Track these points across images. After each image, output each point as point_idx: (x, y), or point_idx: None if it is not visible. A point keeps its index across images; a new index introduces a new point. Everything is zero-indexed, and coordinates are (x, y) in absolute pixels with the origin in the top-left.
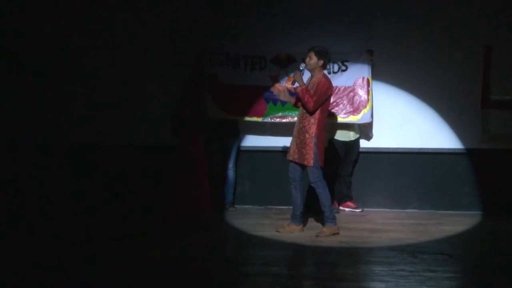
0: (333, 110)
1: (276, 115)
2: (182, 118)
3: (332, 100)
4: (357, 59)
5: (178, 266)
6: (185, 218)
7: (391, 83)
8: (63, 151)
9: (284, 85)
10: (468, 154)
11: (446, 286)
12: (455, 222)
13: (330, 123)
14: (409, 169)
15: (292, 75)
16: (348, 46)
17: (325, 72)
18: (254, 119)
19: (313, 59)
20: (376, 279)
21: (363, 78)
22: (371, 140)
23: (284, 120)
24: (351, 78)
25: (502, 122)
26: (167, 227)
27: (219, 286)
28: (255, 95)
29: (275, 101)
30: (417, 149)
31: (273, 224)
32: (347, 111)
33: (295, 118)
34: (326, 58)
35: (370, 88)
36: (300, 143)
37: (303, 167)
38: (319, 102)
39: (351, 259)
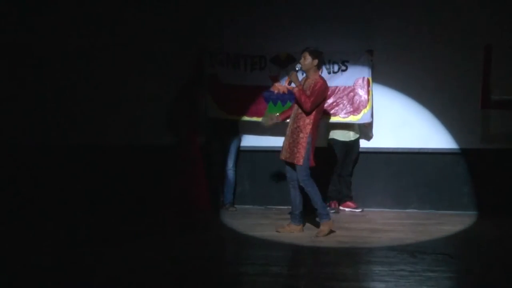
0: (333, 110)
1: (276, 115)
2: (178, 118)
3: (332, 100)
4: (357, 59)
5: (178, 266)
6: (185, 218)
7: (391, 83)
8: (63, 151)
9: (284, 85)
10: (468, 154)
11: (446, 286)
12: (455, 222)
13: (325, 122)
14: (409, 169)
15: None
16: (348, 46)
17: (325, 72)
18: (254, 119)
19: (307, 59)
20: (376, 279)
21: (363, 78)
22: (371, 140)
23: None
24: (351, 78)
25: (502, 122)
26: (167, 227)
27: (219, 286)
28: (255, 95)
29: (275, 101)
30: (417, 149)
31: (273, 224)
32: (347, 111)
33: None
34: (321, 58)
35: (370, 88)
36: (292, 142)
37: (294, 166)
38: (316, 102)
39: (351, 259)
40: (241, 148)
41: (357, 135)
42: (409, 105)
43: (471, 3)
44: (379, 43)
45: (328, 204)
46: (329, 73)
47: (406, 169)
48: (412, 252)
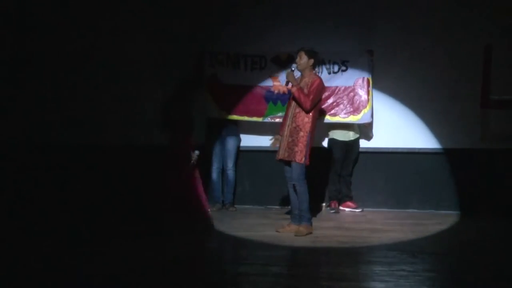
0: (333, 110)
1: (276, 115)
2: (172, 118)
3: (332, 100)
4: (357, 59)
5: (178, 266)
6: (185, 218)
7: (391, 83)
8: (63, 151)
9: (284, 85)
10: (468, 153)
11: (446, 286)
12: (455, 222)
13: (323, 122)
14: (409, 169)
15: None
16: (348, 46)
17: (325, 72)
18: (255, 119)
19: (303, 59)
20: (376, 279)
21: (363, 78)
22: (371, 140)
23: None
24: (351, 78)
25: (502, 122)
26: (167, 227)
27: (219, 286)
28: (255, 95)
29: (275, 101)
30: (417, 149)
31: (273, 224)
32: (348, 111)
33: None
34: (316, 58)
35: (370, 88)
36: (292, 142)
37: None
38: (315, 100)
39: (351, 259)
40: (241, 148)
41: (357, 135)
42: (409, 105)
43: (471, 3)
44: (379, 43)
45: (328, 204)
46: (329, 73)
47: (406, 169)
48: (412, 252)
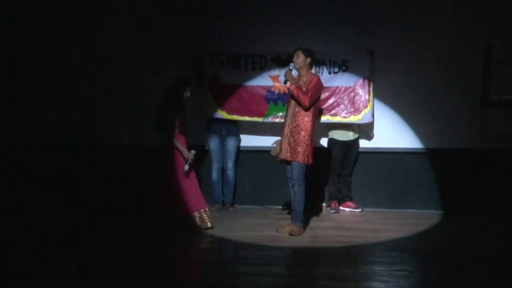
0: (334, 110)
1: (276, 115)
2: (166, 118)
3: (333, 100)
4: (357, 60)
5: (178, 266)
6: (184, 218)
7: (391, 83)
8: (63, 151)
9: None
10: (468, 153)
11: (446, 285)
12: (455, 222)
13: (321, 121)
14: (409, 169)
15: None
16: (349, 46)
17: (325, 72)
18: (255, 119)
19: (300, 57)
20: (376, 279)
21: (364, 78)
22: (371, 140)
23: None
24: (352, 78)
25: (502, 122)
26: (166, 227)
27: (219, 286)
28: (255, 95)
29: (275, 101)
30: (417, 149)
31: (273, 224)
32: (348, 111)
33: None
34: (313, 57)
35: (370, 88)
36: (293, 141)
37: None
38: (313, 98)
39: (351, 259)
40: (241, 148)
41: (357, 135)
42: (409, 105)
43: (471, 3)
44: (379, 43)
45: (328, 204)
46: (329, 73)
47: (406, 169)
48: (411, 252)
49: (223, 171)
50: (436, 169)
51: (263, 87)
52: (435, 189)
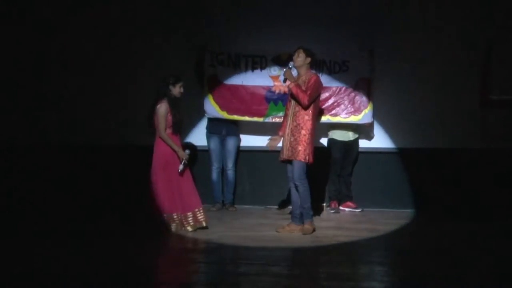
0: (334, 111)
1: (277, 115)
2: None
3: (333, 100)
4: (357, 60)
5: (178, 266)
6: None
7: (391, 83)
8: (63, 151)
9: (285, 85)
10: (468, 153)
11: (446, 285)
12: (455, 222)
13: (320, 121)
14: (409, 169)
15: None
16: (349, 46)
17: (325, 72)
18: (255, 119)
19: (301, 56)
20: (376, 279)
21: (364, 78)
22: (371, 140)
23: None
24: (352, 78)
25: (502, 121)
26: (165, 227)
27: (219, 286)
28: (256, 95)
29: (276, 101)
30: (417, 149)
31: (273, 224)
32: (348, 111)
33: None
34: (313, 57)
35: (371, 88)
36: (294, 141)
37: None
38: (313, 96)
39: (351, 259)
40: (241, 148)
41: (356, 135)
42: (409, 105)
43: (471, 2)
44: (379, 43)
45: (328, 204)
46: (330, 73)
47: (406, 169)
48: (411, 251)
49: (223, 171)
50: (436, 169)
51: (263, 87)
52: (435, 189)
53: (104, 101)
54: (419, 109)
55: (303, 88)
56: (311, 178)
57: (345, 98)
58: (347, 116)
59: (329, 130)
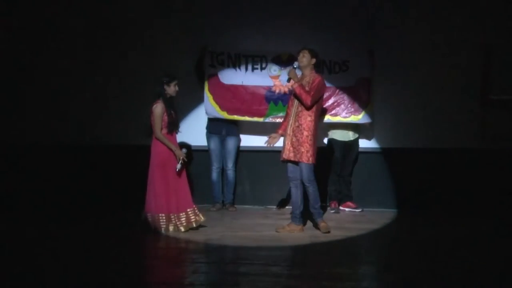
0: (334, 111)
1: (277, 115)
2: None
3: (333, 100)
4: (358, 60)
5: (178, 266)
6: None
7: (391, 83)
8: (63, 151)
9: (285, 85)
10: (468, 153)
11: (446, 285)
12: (455, 222)
13: (323, 122)
14: (409, 168)
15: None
16: (349, 46)
17: (326, 72)
18: (255, 119)
19: (306, 57)
20: (376, 279)
21: (364, 78)
22: (371, 140)
23: None
24: (352, 78)
25: (502, 122)
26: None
27: (219, 286)
28: (256, 95)
29: (276, 101)
30: (417, 149)
31: (273, 224)
32: (348, 111)
33: None
34: (318, 58)
35: (371, 88)
36: (296, 141)
37: (298, 165)
38: (316, 97)
39: (351, 259)
40: (241, 148)
41: (356, 135)
42: (409, 105)
43: (471, 4)
44: (379, 43)
45: (328, 204)
46: (330, 73)
47: (406, 169)
48: (411, 252)
49: (223, 171)
50: (436, 169)
51: (263, 87)
52: (435, 189)
53: (104, 101)
54: (419, 109)
55: (307, 88)
56: None
57: (345, 98)
58: (347, 116)
59: (329, 130)
